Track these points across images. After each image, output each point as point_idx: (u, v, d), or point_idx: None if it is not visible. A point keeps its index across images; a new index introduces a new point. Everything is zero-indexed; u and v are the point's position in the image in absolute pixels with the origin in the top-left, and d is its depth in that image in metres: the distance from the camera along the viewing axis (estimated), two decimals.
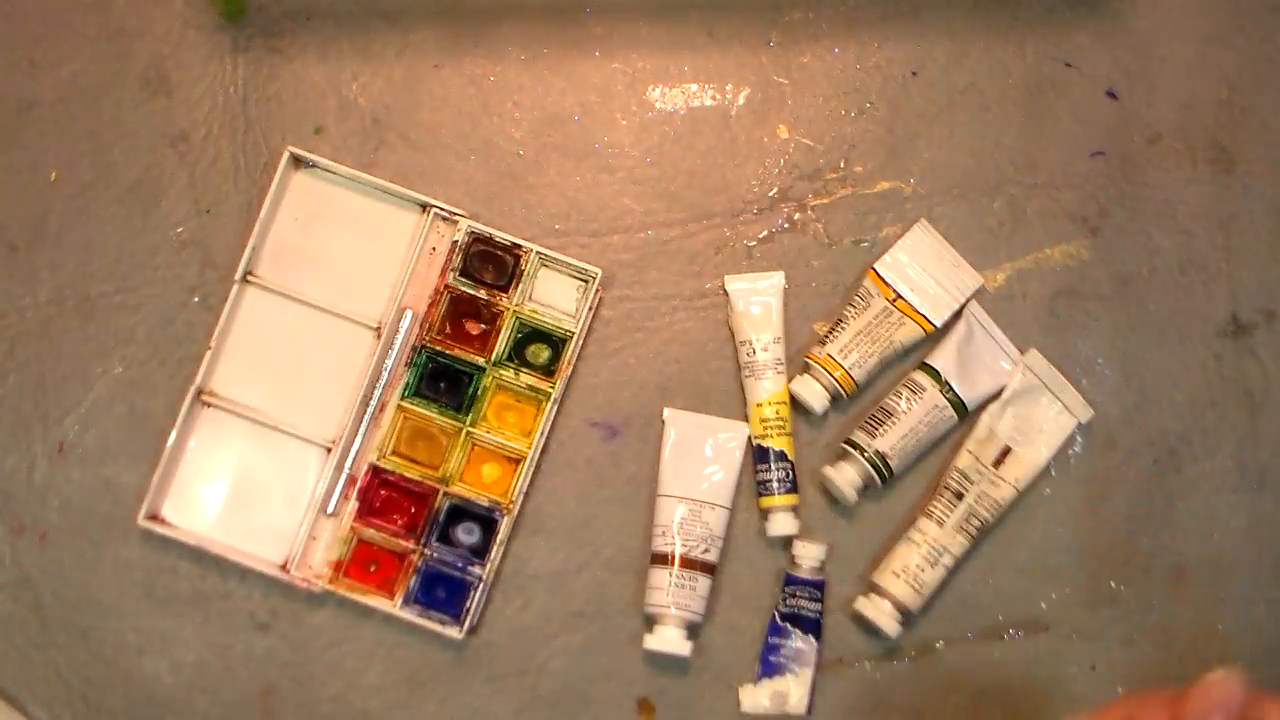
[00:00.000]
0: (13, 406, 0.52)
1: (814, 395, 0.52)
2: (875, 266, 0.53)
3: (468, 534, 0.51)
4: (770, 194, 0.54)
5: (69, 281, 0.53)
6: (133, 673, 0.51)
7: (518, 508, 0.51)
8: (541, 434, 0.51)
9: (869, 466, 0.51)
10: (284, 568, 0.50)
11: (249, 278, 0.52)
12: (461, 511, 0.51)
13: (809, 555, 0.51)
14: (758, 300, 0.53)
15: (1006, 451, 0.52)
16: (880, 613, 0.51)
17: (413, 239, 0.52)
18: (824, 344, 0.52)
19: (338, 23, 0.55)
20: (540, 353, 0.52)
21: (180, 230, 0.53)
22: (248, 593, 0.51)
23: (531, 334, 0.52)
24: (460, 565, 0.50)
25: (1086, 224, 0.55)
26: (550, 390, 0.51)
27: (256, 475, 0.51)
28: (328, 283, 0.52)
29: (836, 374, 0.51)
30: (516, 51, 0.55)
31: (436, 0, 0.55)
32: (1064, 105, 0.55)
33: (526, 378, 0.51)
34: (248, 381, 0.52)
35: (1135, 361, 0.54)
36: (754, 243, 0.54)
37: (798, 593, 0.51)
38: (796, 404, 0.52)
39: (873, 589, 0.51)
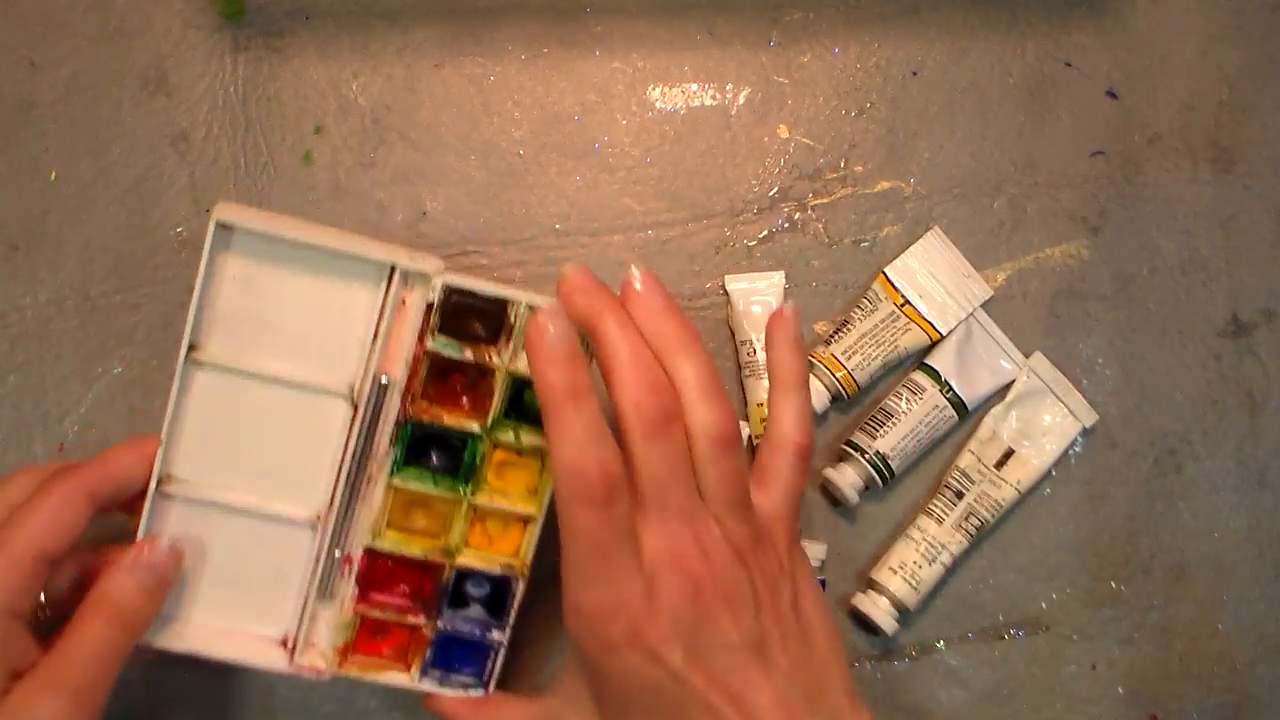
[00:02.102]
0: (13, 406, 0.52)
1: (815, 394, 0.52)
2: (885, 271, 0.53)
3: (478, 586, 0.47)
4: (770, 194, 0.54)
5: (69, 281, 0.53)
6: (132, 673, 0.51)
7: (529, 569, 0.47)
8: (550, 492, 0.45)
9: (870, 468, 0.51)
10: (284, 644, 0.46)
11: (193, 356, 0.44)
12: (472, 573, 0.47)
13: (809, 555, 0.51)
14: (758, 300, 0.53)
15: (1009, 454, 0.52)
16: (878, 609, 0.51)
17: (377, 300, 0.44)
18: (828, 344, 0.52)
19: (338, 22, 0.54)
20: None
21: (180, 230, 0.53)
22: None
23: (528, 382, 0.45)
24: (478, 633, 0.47)
25: (1086, 224, 0.55)
26: None
27: (240, 559, 0.46)
28: (290, 347, 0.44)
29: (839, 374, 0.51)
30: (516, 51, 0.55)
31: (436, 0, 0.55)
32: (1064, 105, 0.55)
33: (528, 438, 0.45)
34: (214, 464, 0.45)
35: (1135, 361, 0.54)
36: (754, 242, 0.54)
37: None
38: None
39: (871, 586, 0.52)
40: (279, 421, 0.45)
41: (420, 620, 0.46)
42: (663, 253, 0.54)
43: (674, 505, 0.40)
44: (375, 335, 0.44)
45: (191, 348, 0.44)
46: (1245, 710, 0.53)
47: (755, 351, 0.52)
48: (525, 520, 0.46)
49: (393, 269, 0.43)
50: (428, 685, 0.47)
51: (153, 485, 0.44)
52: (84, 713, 0.40)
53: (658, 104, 0.55)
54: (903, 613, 0.51)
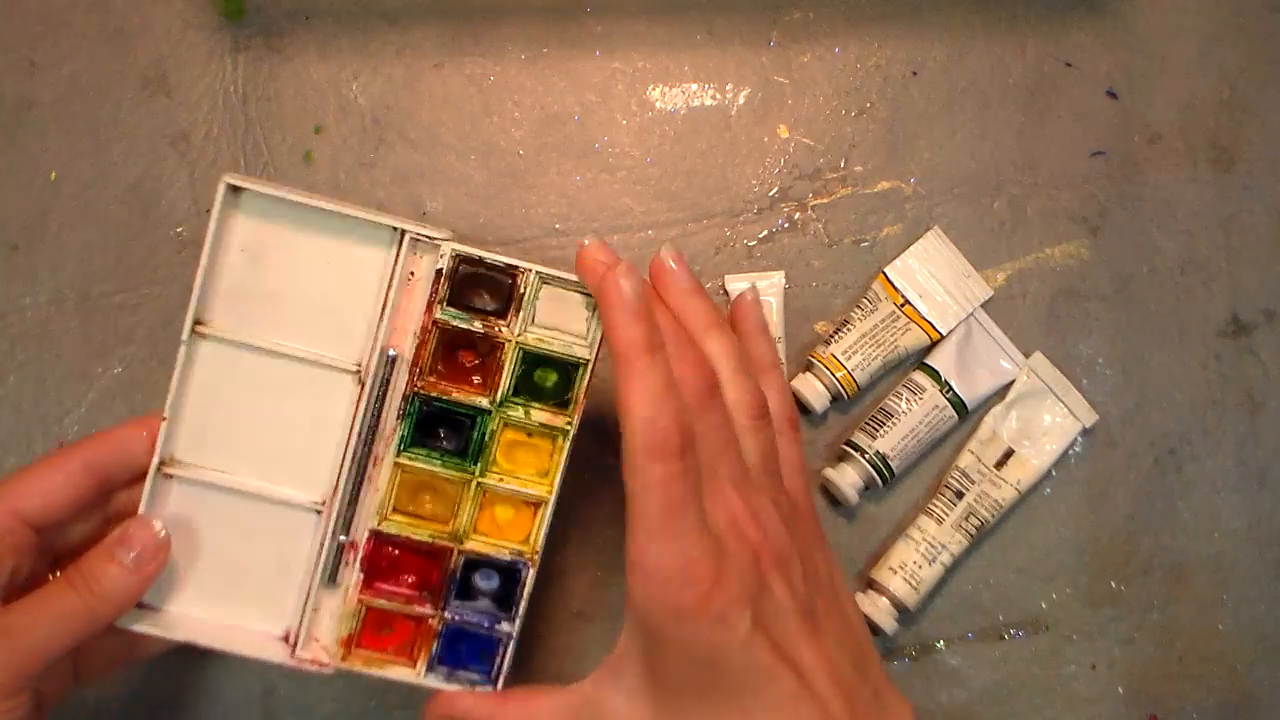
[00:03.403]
0: (13, 406, 0.52)
1: (815, 394, 0.52)
2: (885, 271, 0.53)
3: (486, 579, 0.45)
4: (770, 194, 0.54)
5: (69, 281, 0.53)
6: (132, 672, 0.51)
7: (540, 556, 0.45)
8: (561, 473, 0.45)
9: (870, 468, 0.51)
10: (286, 639, 0.45)
11: (198, 329, 0.44)
12: (479, 564, 0.45)
13: None
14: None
15: (1009, 454, 0.52)
16: (878, 609, 0.51)
17: (385, 268, 0.44)
18: (828, 344, 0.52)
19: (337, 22, 0.54)
20: (547, 377, 0.45)
21: (180, 230, 0.53)
22: None
23: (537, 362, 0.45)
24: (486, 625, 0.45)
25: (1086, 224, 0.55)
26: (567, 426, 0.45)
27: (242, 547, 0.45)
28: (295, 323, 0.45)
29: (839, 374, 0.51)
30: (516, 51, 0.55)
31: (436, 0, 0.55)
32: (1064, 105, 0.55)
33: (538, 414, 0.45)
34: (217, 446, 0.45)
35: (1135, 361, 0.54)
36: (754, 242, 0.54)
37: None
38: (797, 403, 0.52)
39: (871, 586, 0.52)
40: (284, 400, 0.45)
41: (427, 609, 0.45)
42: None
43: (726, 473, 0.40)
44: (383, 308, 0.44)
45: (197, 322, 0.44)
46: (1245, 710, 0.53)
47: None
48: (536, 505, 0.45)
49: (402, 235, 0.43)
50: (433, 681, 0.45)
51: (154, 463, 0.44)
52: (13, 660, 0.39)
53: (658, 104, 0.55)
54: (903, 613, 0.51)
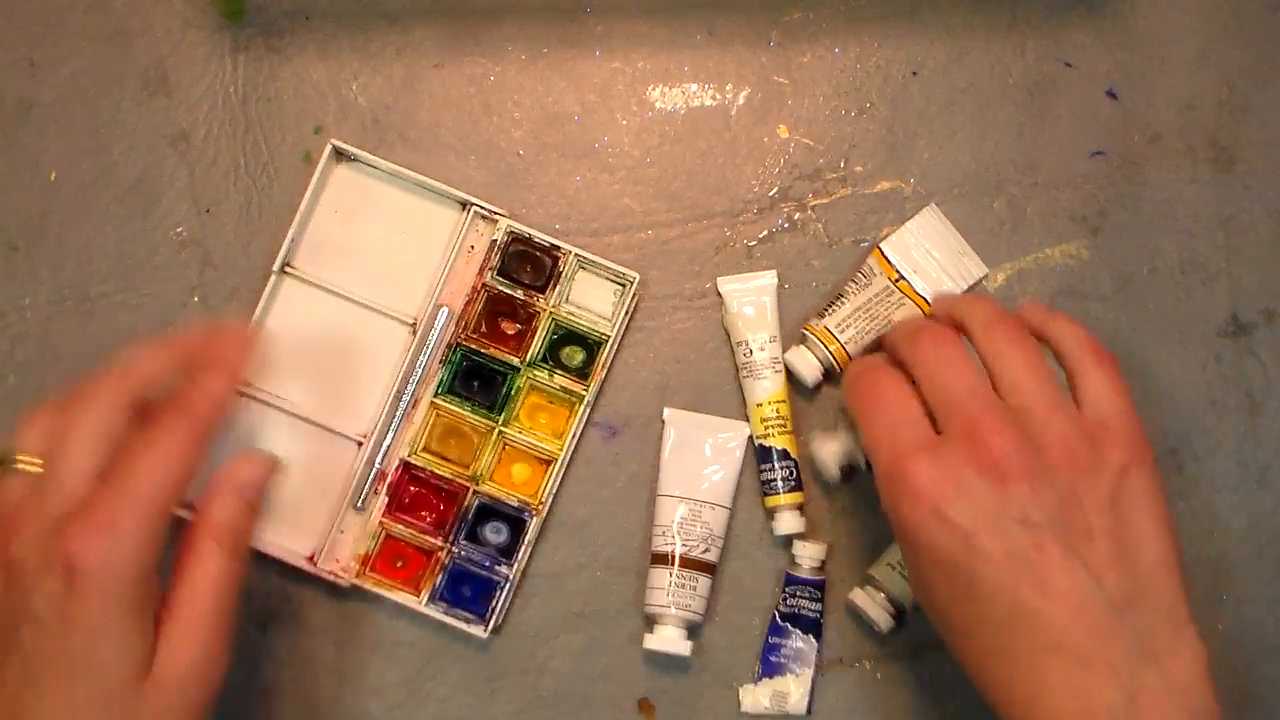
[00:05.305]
0: (13, 406, 0.52)
1: (807, 367, 0.51)
2: (881, 246, 0.53)
3: (495, 533, 0.51)
4: (770, 194, 0.54)
5: (69, 281, 0.53)
6: None
7: (546, 509, 0.51)
8: (573, 436, 0.51)
9: (826, 351, 0.52)
10: (311, 559, 0.50)
11: (287, 269, 0.52)
12: (490, 511, 0.51)
13: (809, 555, 0.51)
14: (751, 300, 0.53)
15: None
16: (875, 606, 0.51)
17: (451, 236, 0.52)
18: (821, 317, 0.52)
19: (338, 22, 0.55)
20: (575, 355, 0.52)
21: (180, 230, 0.53)
22: (248, 592, 0.51)
23: (566, 336, 0.52)
24: (487, 564, 0.51)
25: (1086, 224, 0.55)
26: (584, 393, 0.51)
27: (288, 467, 0.49)
28: (365, 277, 0.52)
29: (832, 347, 0.51)
30: (516, 51, 0.55)
31: (436, 0, 0.55)
32: (1064, 105, 0.55)
33: (560, 379, 0.51)
34: (281, 373, 0.51)
35: (1135, 361, 0.54)
36: (754, 242, 0.54)
37: (798, 592, 0.51)
38: (789, 375, 0.52)
39: (870, 583, 0.52)
40: (346, 342, 0.52)
41: (438, 542, 0.51)
42: (663, 253, 0.54)
43: (964, 391, 0.41)
44: (444, 269, 0.51)
45: (286, 264, 0.51)
46: (1245, 710, 0.53)
47: (751, 352, 0.52)
48: (548, 463, 0.51)
49: (468, 206, 0.51)
50: (433, 611, 0.50)
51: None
52: (219, 643, 0.42)
53: (658, 104, 0.55)
54: (901, 610, 0.51)
